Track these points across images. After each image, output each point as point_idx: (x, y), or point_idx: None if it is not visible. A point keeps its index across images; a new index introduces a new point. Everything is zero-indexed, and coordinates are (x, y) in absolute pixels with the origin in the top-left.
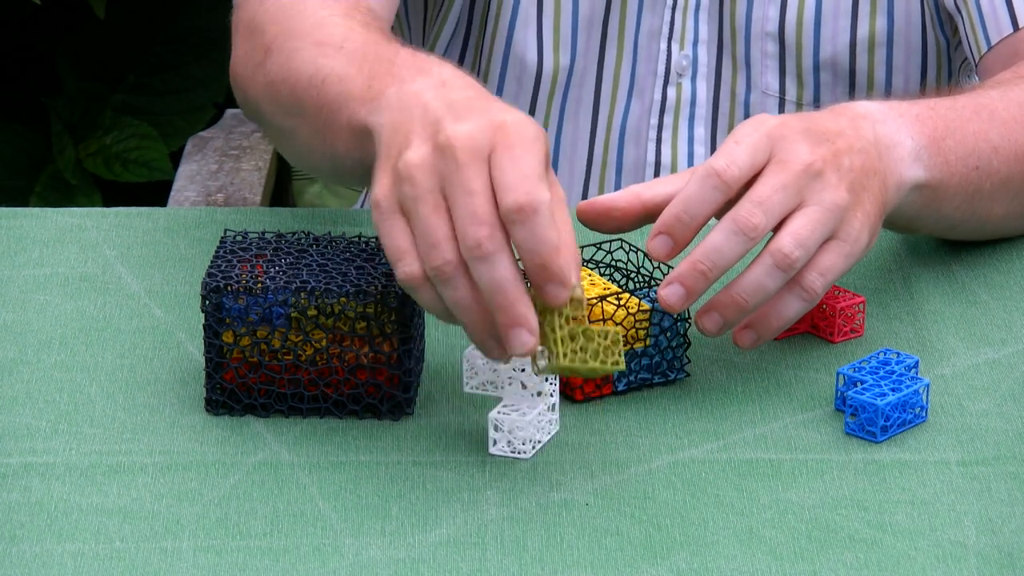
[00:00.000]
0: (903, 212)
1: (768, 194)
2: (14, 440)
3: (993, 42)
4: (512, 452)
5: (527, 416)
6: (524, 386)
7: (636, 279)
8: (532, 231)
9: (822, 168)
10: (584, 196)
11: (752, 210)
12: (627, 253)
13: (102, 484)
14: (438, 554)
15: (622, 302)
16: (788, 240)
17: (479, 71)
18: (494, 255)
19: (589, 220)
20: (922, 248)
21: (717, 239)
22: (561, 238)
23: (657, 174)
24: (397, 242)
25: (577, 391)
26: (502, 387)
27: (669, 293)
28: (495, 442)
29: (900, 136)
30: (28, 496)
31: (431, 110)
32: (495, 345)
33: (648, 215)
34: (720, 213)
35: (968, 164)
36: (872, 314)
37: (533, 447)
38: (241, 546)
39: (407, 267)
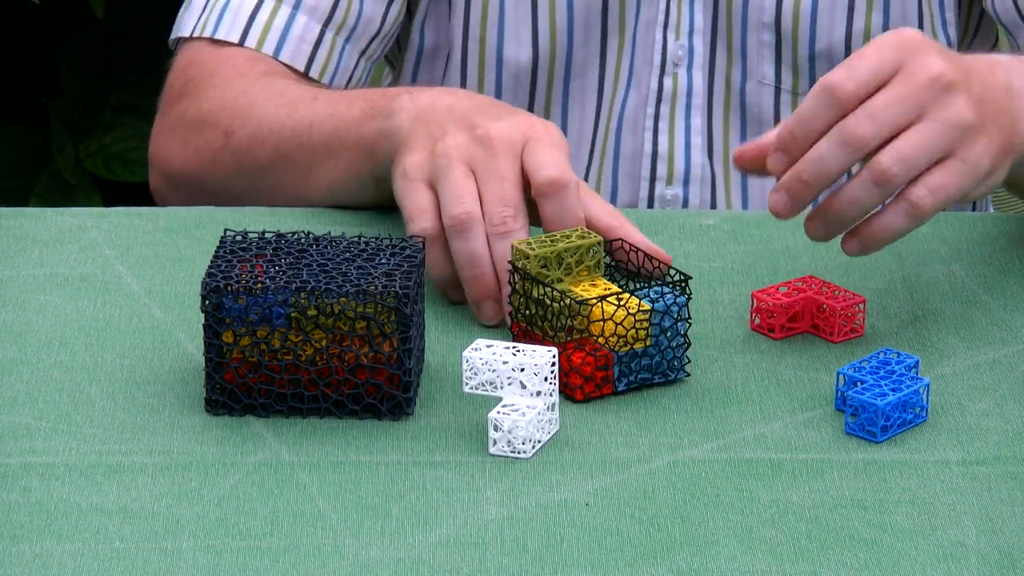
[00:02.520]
0: (1017, 171)
1: (883, 105)
2: (14, 440)
3: None
4: (512, 452)
5: (527, 416)
6: (524, 386)
7: (637, 279)
8: (561, 203)
9: (952, 81)
10: None
11: (861, 121)
12: (627, 253)
13: (102, 484)
14: (438, 554)
15: (622, 302)
16: (888, 155)
17: (465, 77)
18: (515, 233)
19: (746, 162)
20: (922, 248)
21: (821, 149)
22: (584, 213)
23: (654, 164)
24: (418, 201)
25: (577, 391)
26: (502, 387)
27: (776, 199)
28: (495, 442)
29: None
30: (28, 496)
31: (459, 109)
32: (492, 306)
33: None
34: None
35: None
36: (872, 314)
37: (533, 447)
38: (241, 546)
39: (424, 222)
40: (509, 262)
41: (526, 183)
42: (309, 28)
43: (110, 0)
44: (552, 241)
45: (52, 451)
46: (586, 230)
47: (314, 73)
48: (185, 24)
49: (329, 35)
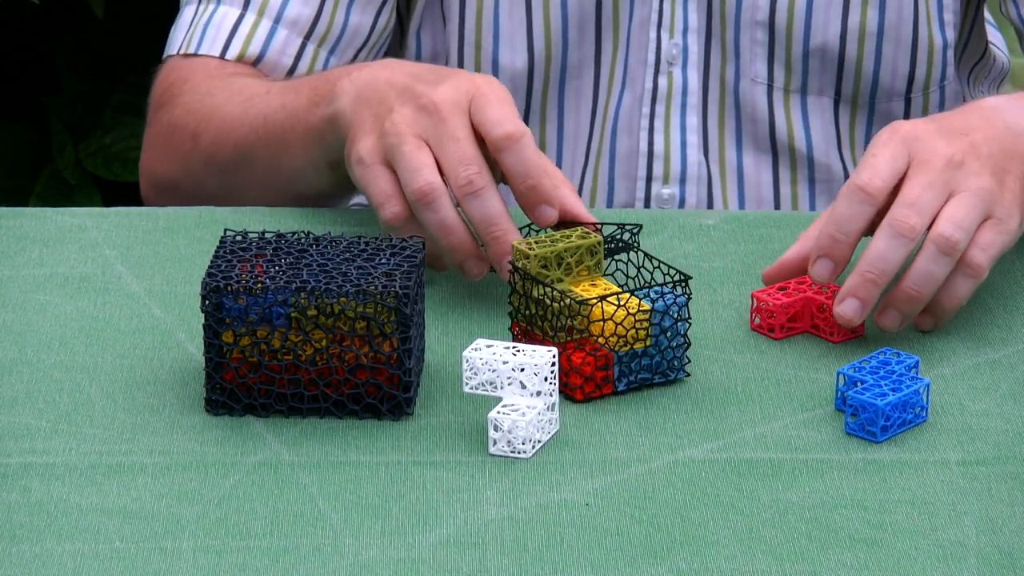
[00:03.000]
0: None
1: (918, 194)
2: (14, 440)
3: None
4: (512, 452)
5: (527, 416)
6: (524, 386)
7: (637, 279)
8: (520, 155)
9: (963, 159)
10: (581, 186)
11: (906, 212)
12: (628, 253)
13: (102, 484)
14: (438, 554)
15: (622, 302)
16: (947, 224)
17: None
18: (485, 189)
19: (775, 279)
20: None
21: (880, 246)
22: (545, 162)
23: (650, 164)
24: (381, 186)
25: (577, 391)
26: (502, 387)
27: (846, 308)
28: (495, 442)
29: None
30: (28, 496)
31: (397, 82)
32: (474, 263)
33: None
34: (872, 226)
35: None
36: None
37: (533, 447)
38: (241, 546)
39: (392, 208)
40: (509, 262)
41: (480, 140)
42: (290, 41)
43: (110, 0)
44: (552, 241)
45: (52, 451)
46: (586, 230)
47: None
48: (173, 42)
49: (311, 48)
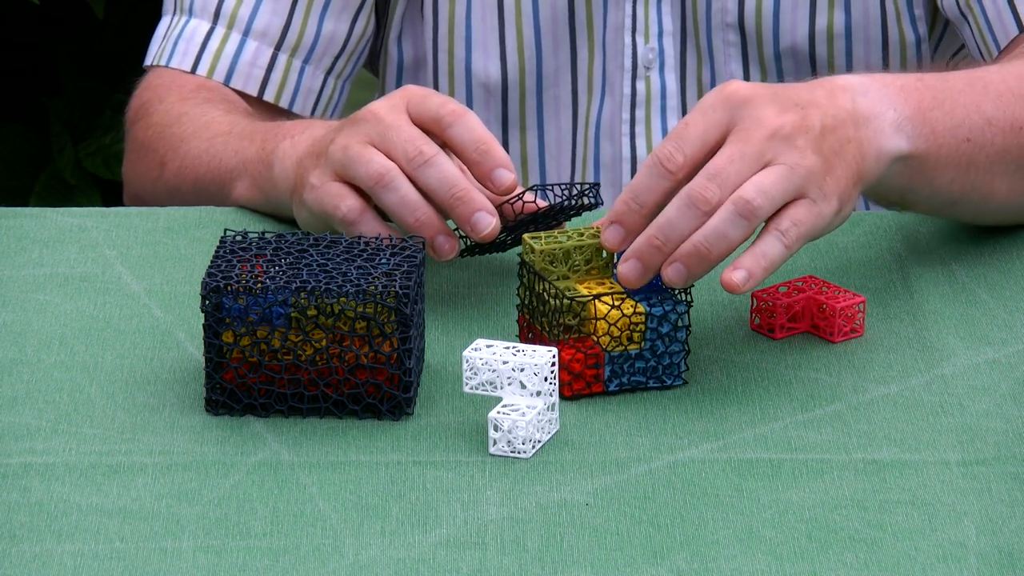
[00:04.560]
0: (890, 184)
1: (723, 166)
2: (14, 440)
3: (1002, 45)
4: (512, 452)
5: (527, 416)
6: (524, 386)
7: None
8: (467, 126)
9: (790, 133)
10: None
11: (705, 184)
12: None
13: (102, 484)
14: (438, 554)
15: (617, 303)
16: (750, 188)
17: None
18: (436, 156)
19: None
20: (922, 248)
21: (670, 213)
22: (492, 138)
23: (634, 169)
24: (332, 191)
25: (565, 388)
26: (502, 387)
27: (627, 268)
28: (495, 442)
29: (881, 107)
30: (28, 496)
31: (333, 127)
32: (446, 239)
33: None
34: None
35: (958, 135)
36: (872, 314)
37: (533, 447)
38: (241, 546)
39: (346, 202)
40: (519, 254)
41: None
42: (260, 52)
43: (110, 0)
44: (561, 239)
45: (52, 451)
46: (598, 228)
47: (269, 97)
48: (150, 53)
49: (283, 58)
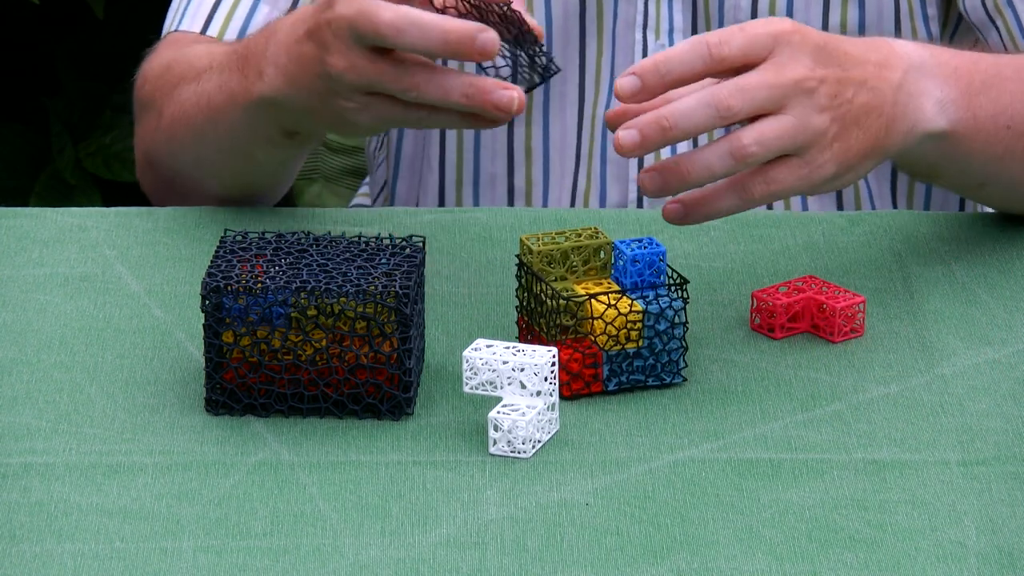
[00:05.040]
0: (920, 158)
1: (755, 85)
2: (14, 440)
3: None
4: (512, 452)
5: (527, 416)
6: (524, 386)
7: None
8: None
9: (815, 88)
10: (573, 189)
11: (733, 92)
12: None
13: (102, 484)
14: (438, 554)
15: (613, 302)
16: (750, 133)
17: None
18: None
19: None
20: (922, 248)
21: (689, 103)
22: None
23: (640, 165)
24: (378, 68)
25: (564, 388)
26: (502, 387)
27: (625, 135)
28: (495, 442)
29: (930, 84)
30: (28, 496)
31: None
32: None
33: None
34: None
35: (999, 122)
36: (872, 314)
37: (533, 447)
38: (241, 546)
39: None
40: (516, 255)
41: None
42: (271, 18)
43: (110, 0)
44: (559, 240)
45: (52, 451)
46: (596, 229)
47: None
48: (164, 26)
49: None
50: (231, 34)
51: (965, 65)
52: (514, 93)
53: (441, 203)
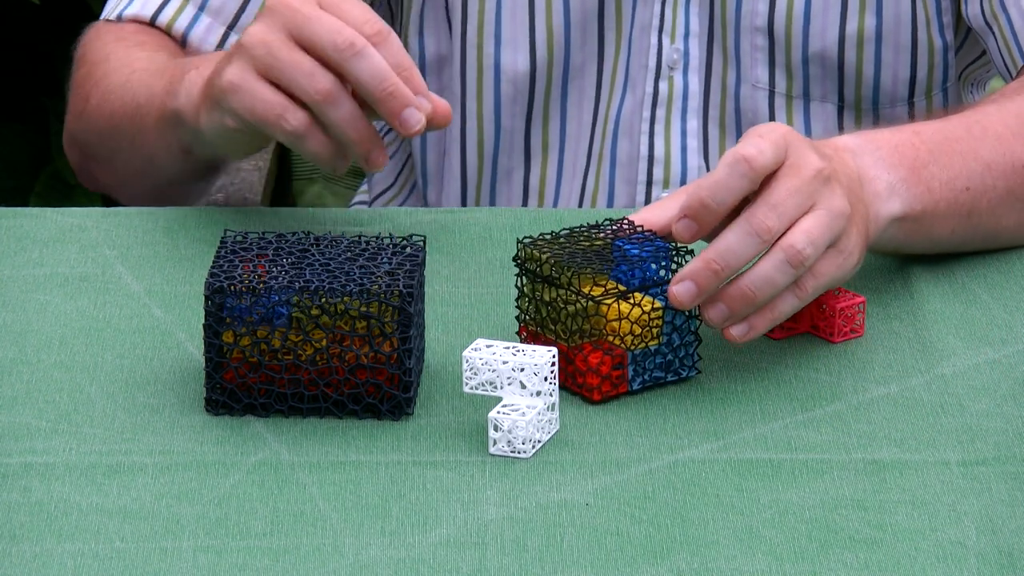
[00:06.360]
0: (886, 244)
1: (783, 198)
2: (14, 440)
3: None
4: (512, 452)
5: (527, 416)
6: (524, 386)
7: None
8: (390, 50)
9: (830, 175)
10: (583, 189)
11: (768, 213)
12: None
13: (102, 484)
14: (438, 554)
15: (636, 300)
16: (801, 237)
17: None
18: (366, 48)
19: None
20: None
21: (731, 240)
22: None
23: (650, 168)
24: (269, 98)
25: (595, 391)
26: (502, 387)
27: (681, 290)
28: (495, 442)
29: (876, 170)
30: (28, 496)
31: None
32: (381, 152)
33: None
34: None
35: (956, 187)
36: (872, 314)
37: (533, 447)
38: (241, 546)
39: (294, 117)
40: (515, 261)
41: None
42: (212, 30)
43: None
44: (560, 242)
45: (52, 451)
46: (594, 230)
47: None
48: (104, 10)
49: (234, 38)
50: (176, 36)
51: (906, 140)
52: (380, 162)
53: (463, 203)
